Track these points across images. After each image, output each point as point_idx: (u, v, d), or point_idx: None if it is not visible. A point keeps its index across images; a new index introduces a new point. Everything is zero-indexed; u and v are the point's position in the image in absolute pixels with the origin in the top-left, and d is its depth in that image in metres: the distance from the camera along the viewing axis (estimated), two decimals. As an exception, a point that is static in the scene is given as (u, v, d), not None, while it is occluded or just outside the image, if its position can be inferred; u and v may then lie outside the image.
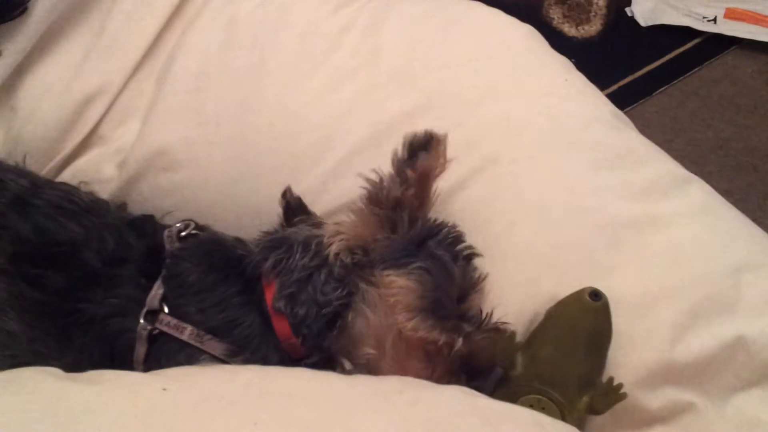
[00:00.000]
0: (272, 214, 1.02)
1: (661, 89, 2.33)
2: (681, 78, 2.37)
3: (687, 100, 2.34)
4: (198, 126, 1.09)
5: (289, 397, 0.69)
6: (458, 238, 0.97)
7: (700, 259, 1.01)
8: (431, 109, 1.08)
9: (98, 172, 1.12)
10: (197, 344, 0.89)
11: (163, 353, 0.89)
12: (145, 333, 0.89)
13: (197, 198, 1.08)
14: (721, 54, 2.44)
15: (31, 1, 1.08)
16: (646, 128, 2.25)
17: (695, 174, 2.17)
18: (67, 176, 1.12)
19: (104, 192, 1.08)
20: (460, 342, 0.90)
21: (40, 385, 0.68)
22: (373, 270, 0.93)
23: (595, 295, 0.93)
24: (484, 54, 1.14)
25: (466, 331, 0.92)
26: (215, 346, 0.89)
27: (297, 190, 1.01)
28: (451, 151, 0.98)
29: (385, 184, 0.93)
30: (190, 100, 1.10)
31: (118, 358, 0.88)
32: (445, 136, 0.92)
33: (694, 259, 1.01)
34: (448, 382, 0.88)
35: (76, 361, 0.85)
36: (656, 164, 1.09)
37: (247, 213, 1.08)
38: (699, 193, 1.08)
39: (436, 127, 1.06)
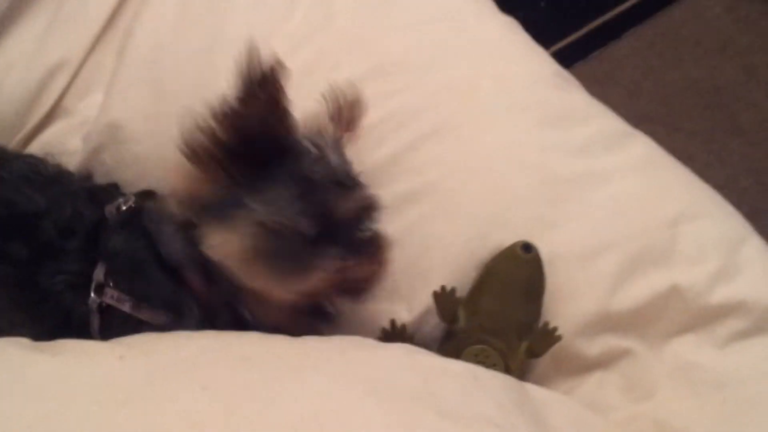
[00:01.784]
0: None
1: (630, 30, 2.35)
2: (650, 18, 2.38)
3: (656, 40, 2.36)
4: (156, 99, 1.12)
5: (239, 361, 0.75)
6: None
7: (638, 211, 1.07)
8: (380, 74, 1.12)
9: (63, 144, 1.15)
10: (137, 315, 0.92)
11: (115, 325, 0.92)
12: (95, 306, 0.92)
13: (157, 169, 1.10)
14: (691, -8, 2.44)
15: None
16: (616, 70, 2.30)
17: (664, 116, 2.21)
18: (33, 149, 1.15)
19: (70, 164, 1.11)
20: (289, 296, 0.89)
21: (9, 356, 0.73)
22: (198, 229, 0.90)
23: (527, 247, 0.99)
24: (431, 18, 1.17)
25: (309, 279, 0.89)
26: (152, 316, 0.92)
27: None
28: (399, 114, 1.03)
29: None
30: (148, 73, 1.13)
31: (76, 329, 0.92)
32: None
33: (633, 212, 1.07)
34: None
35: (37, 332, 0.87)
36: (598, 121, 1.14)
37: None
38: (640, 147, 1.13)
39: (386, 92, 1.11)
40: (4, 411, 0.65)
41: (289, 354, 0.78)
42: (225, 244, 0.89)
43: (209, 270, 0.91)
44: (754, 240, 1.08)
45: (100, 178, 1.09)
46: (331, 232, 0.91)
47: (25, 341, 0.76)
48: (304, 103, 1.09)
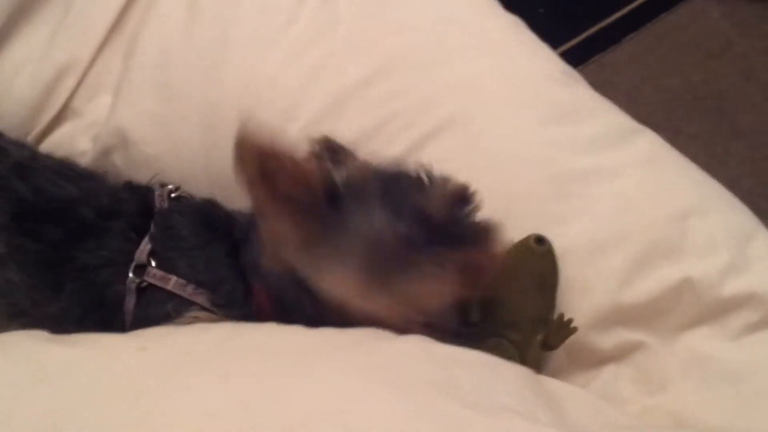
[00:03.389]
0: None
1: (629, 35, 2.36)
2: (649, 23, 2.39)
3: (655, 45, 2.37)
4: (166, 101, 1.12)
5: (257, 351, 0.75)
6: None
7: (647, 205, 1.06)
8: (387, 74, 1.12)
9: (73, 145, 1.16)
10: (181, 293, 0.93)
11: (151, 304, 0.93)
12: (133, 286, 0.94)
13: (170, 169, 1.11)
14: (690, -4, 2.45)
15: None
16: (616, 75, 2.32)
17: (664, 120, 2.22)
18: (43, 151, 1.15)
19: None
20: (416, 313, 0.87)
21: (28, 348, 0.73)
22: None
23: (540, 240, 0.99)
24: (436, 18, 1.18)
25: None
26: (199, 296, 0.93)
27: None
28: (406, 114, 1.03)
29: None
30: (157, 75, 1.14)
31: (109, 307, 0.94)
32: None
33: (641, 206, 1.06)
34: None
35: (67, 307, 0.92)
36: (604, 117, 1.14)
37: (219, 182, 1.09)
38: (646, 143, 1.13)
39: (393, 91, 1.12)
40: (21, 403, 0.66)
41: (306, 344, 0.79)
42: (340, 281, 0.88)
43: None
44: (763, 234, 1.08)
45: (111, 180, 1.09)
46: (433, 233, 0.90)
47: (42, 333, 0.77)
48: (313, 106, 1.11)
